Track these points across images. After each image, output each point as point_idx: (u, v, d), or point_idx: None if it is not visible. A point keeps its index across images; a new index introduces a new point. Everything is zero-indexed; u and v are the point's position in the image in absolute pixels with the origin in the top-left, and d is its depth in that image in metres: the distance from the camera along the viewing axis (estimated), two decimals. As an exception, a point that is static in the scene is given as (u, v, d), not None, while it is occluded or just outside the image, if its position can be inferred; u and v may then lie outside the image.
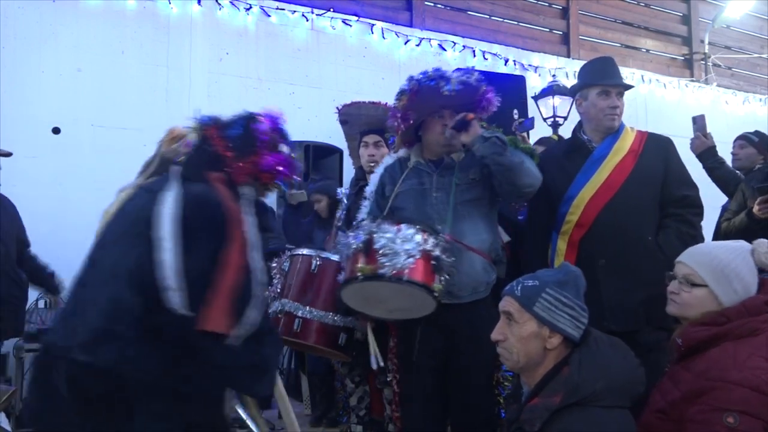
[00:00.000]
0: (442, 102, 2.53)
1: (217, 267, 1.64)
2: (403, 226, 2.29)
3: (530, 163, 2.53)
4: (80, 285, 1.74)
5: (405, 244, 2.24)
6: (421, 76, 2.50)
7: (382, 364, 2.59)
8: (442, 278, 2.33)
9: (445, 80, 2.45)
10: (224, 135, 1.85)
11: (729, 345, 1.75)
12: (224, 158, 1.82)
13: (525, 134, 4.13)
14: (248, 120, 1.91)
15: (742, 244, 1.90)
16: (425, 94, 2.52)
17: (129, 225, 1.73)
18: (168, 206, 1.66)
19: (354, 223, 2.67)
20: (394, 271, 2.21)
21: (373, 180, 2.81)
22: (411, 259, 2.22)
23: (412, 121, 2.64)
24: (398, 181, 2.66)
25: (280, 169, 1.90)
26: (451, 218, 2.51)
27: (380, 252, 2.24)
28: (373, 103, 3.40)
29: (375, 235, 2.27)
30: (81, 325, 1.63)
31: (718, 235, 3.63)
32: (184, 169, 1.81)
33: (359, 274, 2.26)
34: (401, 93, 2.55)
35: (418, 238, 2.27)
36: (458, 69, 2.58)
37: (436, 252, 2.29)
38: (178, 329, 1.62)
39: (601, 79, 2.74)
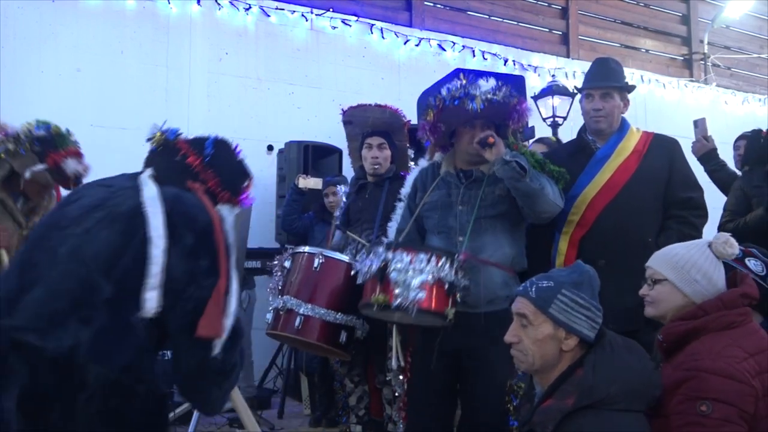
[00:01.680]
0: (471, 114, 2.52)
1: (192, 270, 1.62)
2: (418, 255, 2.33)
3: (552, 189, 2.51)
4: (29, 265, 1.60)
5: (417, 276, 2.29)
6: (446, 92, 2.48)
7: (402, 363, 2.60)
8: (457, 299, 2.38)
9: (470, 98, 2.43)
10: (198, 152, 1.86)
11: (707, 338, 1.79)
12: (198, 173, 1.83)
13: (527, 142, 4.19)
14: (221, 143, 1.93)
15: (699, 240, 2.01)
16: (452, 110, 2.51)
17: (103, 215, 1.64)
18: (154, 203, 1.64)
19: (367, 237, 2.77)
20: (406, 303, 2.27)
21: (408, 182, 2.86)
22: (423, 293, 2.28)
23: (443, 131, 2.66)
24: (429, 188, 2.70)
25: (248, 202, 1.98)
26: (472, 231, 2.52)
27: (393, 282, 2.30)
28: (380, 105, 3.39)
29: (390, 264, 2.32)
30: (34, 306, 1.50)
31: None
32: (156, 172, 1.79)
33: (374, 303, 2.32)
34: (427, 107, 2.55)
35: (432, 266, 2.31)
36: (483, 75, 2.52)
37: (450, 277, 2.33)
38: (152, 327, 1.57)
39: (585, 82, 2.79)
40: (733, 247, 1.90)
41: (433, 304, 2.31)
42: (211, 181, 1.84)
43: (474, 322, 2.45)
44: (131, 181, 1.75)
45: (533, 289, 1.86)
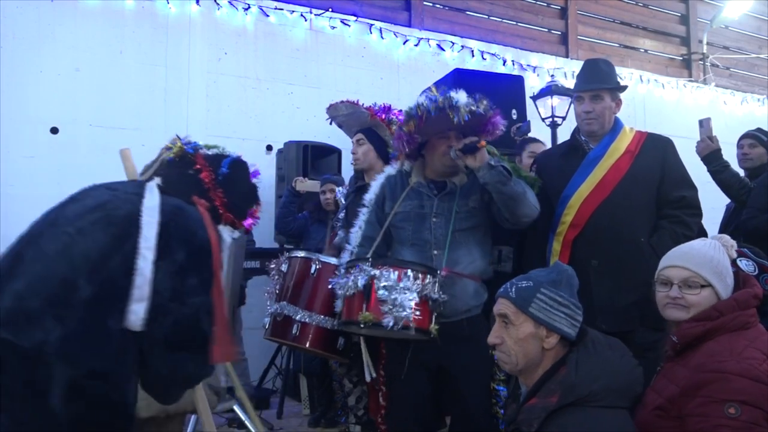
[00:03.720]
0: (448, 125, 2.52)
1: (178, 286, 1.60)
2: (404, 272, 2.30)
3: (531, 194, 2.53)
4: (18, 259, 1.57)
5: (407, 294, 2.26)
6: (429, 103, 2.46)
7: (374, 375, 2.60)
8: (436, 314, 2.36)
9: (455, 110, 2.42)
10: (213, 169, 1.87)
11: (724, 338, 1.80)
12: (208, 190, 1.83)
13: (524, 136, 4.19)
14: (238, 164, 1.93)
15: (715, 241, 2.00)
16: (433, 120, 2.50)
17: (99, 216, 1.62)
18: (152, 214, 1.62)
19: (350, 247, 2.69)
20: (398, 323, 2.24)
21: (374, 188, 2.79)
22: (415, 312, 2.25)
23: (418, 142, 2.63)
24: (398, 197, 2.66)
25: (249, 224, 1.98)
26: (449, 246, 2.52)
27: (382, 300, 2.26)
28: (342, 102, 3.42)
29: (376, 281, 2.29)
30: (12, 299, 1.48)
31: (746, 233, 3.42)
32: (164, 182, 1.78)
33: (361, 322, 2.27)
34: (409, 117, 2.51)
35: (418, 284, 2.29)
36: (458, 72, 2.56)
37: (434, 294, 2.31)
38: (130, 335, 1.53)
39: (575, 84, 2.81)
40: (733, 252, 1.98)
41: (420, 323, 2.28)
42: (219, 200, 1.84)
43: (450, 331, 2.44)
44: (138, 187, 1.73)
45: (513, 290, 1.89)
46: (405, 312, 2.24)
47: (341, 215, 3.60)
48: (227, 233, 1.84)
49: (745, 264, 2.21)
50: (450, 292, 2.42)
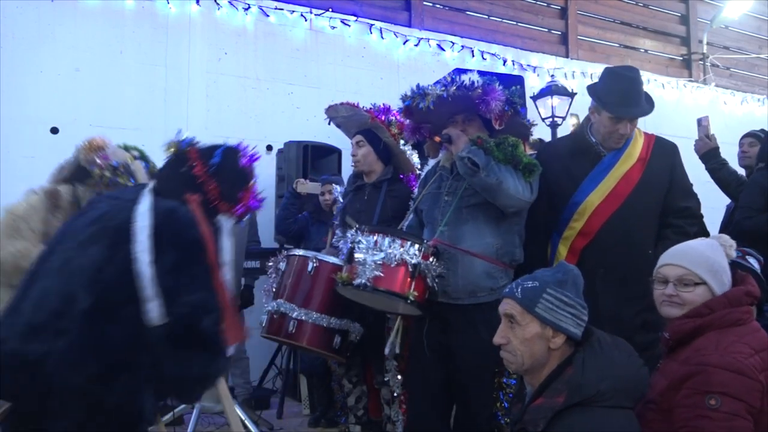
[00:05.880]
0: (446, 110, 2.62)
1: (173, 286, 1.66)
2: (379, 237, 2.43)
3: (513, 183, 2.47)
4: (30, 280, 1.71)
5: (376, 254, 2.39)
6: (403, 96, 2.70)
7: (397, 351, 2.66)
8: (430, 285, 2.42)
9: (421, 97, 2.59)
10: (205, 161, 1.90)
11: (713, 334, 1.83)
12: (202, 183, 1.87)
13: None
14: (230, 151, 1.97)
15: (714, 240, 2.02)
16: (417, 112, 2.69)
17: (96, 229, 1.72)
18: (144, 218, 1.69)
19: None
20: (363, 280, 2.37)
21: (419, 184, 3.01)
22: (379, 272, 2.37)
23: (430, 131, 2.84)
24: (428, 184, 2.80)
25: (255, 205, 2.00)
26: (451, 221, 2.56)
27: (357, 261, 2.43)
28: (342, 104, 3.43)
29: (356, 245, 2.46)
30: (22, 316, 1.61)
31: (742, 233, 3.45)
32: (158, 184, 1.85)
33: (338, 281, 2.48)
34: (402, 114, 2.80)
35: (394, 248, 2.39)
36: (453, 73, 2.67)
37: (415, 260, 2.39)
38: (133, 339, 1.61)
39: (616, 106, 2.56)
40: (732, 252, 2.00)
41: (389, 284, 2.37)
42: (212, 192, 1.87)
43: (455, 315, 2.50)
44: (136, 193, 1.81)
45: (519, 290, 1.90)
46: (369, 271, 2.37)
47: (338, 214, 3.59)
48: (227, 222, 1.90)
49: (754, 261, 2.23)
50: (452, 268, 2.49)
